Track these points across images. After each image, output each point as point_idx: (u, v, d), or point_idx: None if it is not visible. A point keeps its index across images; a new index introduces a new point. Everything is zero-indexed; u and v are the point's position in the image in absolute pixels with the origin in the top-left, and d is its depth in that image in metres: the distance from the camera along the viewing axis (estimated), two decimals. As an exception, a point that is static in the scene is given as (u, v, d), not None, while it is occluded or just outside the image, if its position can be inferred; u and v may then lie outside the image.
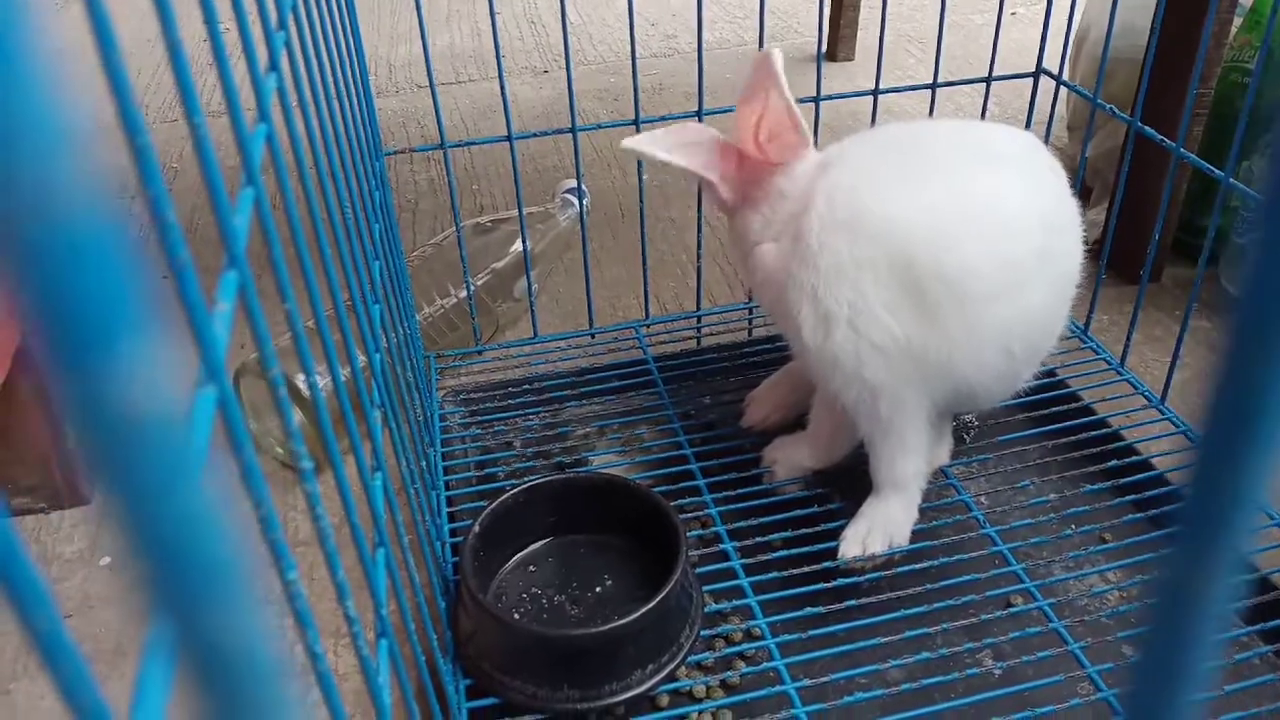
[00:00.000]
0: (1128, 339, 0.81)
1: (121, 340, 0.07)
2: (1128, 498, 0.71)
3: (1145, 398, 0.79)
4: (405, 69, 1.62)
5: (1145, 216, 0.90)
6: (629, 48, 1.44)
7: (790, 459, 0.73)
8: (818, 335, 0.61)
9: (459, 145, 0.83)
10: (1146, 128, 0.76)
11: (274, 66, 0.37)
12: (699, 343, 0.91)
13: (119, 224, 0.07)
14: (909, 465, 0.65)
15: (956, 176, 0.61)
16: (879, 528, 0.65)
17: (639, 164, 0.84)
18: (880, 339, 0.60)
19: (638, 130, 0.80)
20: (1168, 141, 0.74)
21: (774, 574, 0.66)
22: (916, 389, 0.62)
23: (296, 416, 0.78)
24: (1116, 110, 0.78)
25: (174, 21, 0.22)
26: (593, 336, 0.90)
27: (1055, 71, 0.84)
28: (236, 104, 0.29)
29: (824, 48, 1.56)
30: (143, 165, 0.18)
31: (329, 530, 0.32)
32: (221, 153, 0.21)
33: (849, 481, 0.72)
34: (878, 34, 0.81)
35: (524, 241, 0.91)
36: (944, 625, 0.63)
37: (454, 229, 0.87)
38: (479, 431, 0.82)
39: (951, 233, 0.59)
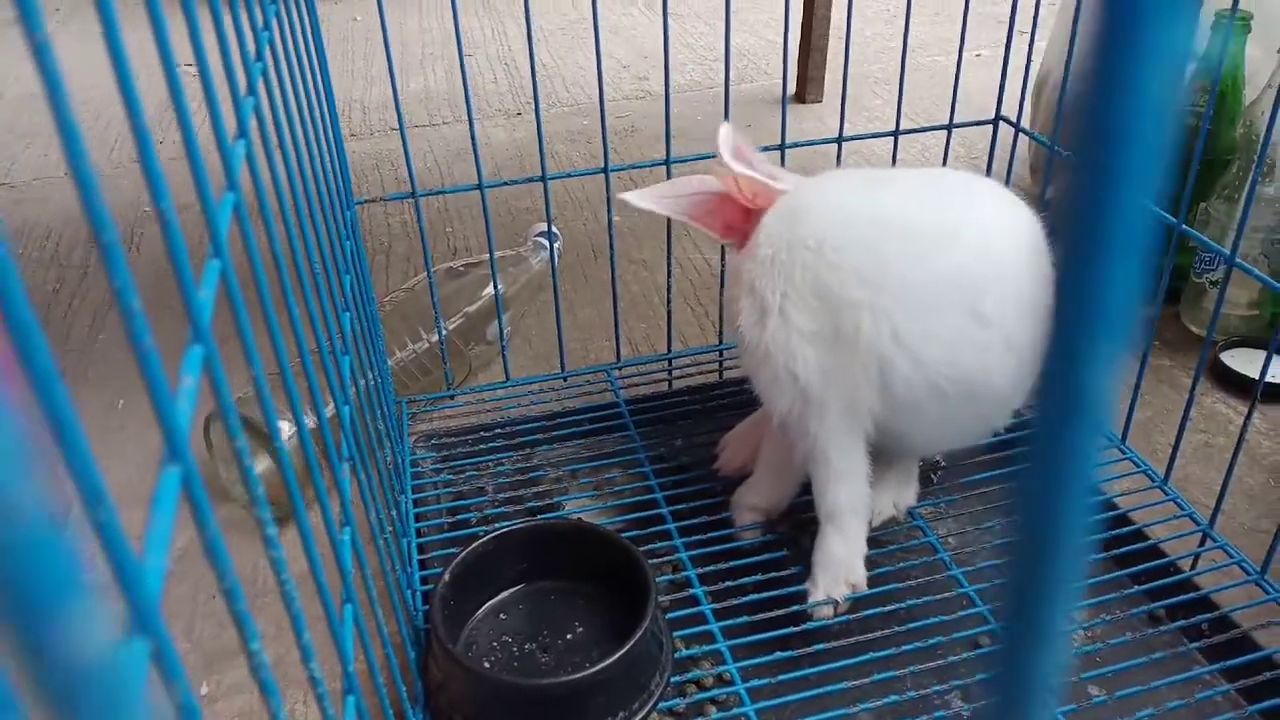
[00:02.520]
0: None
1: (62, 604, 0.08)
2: (1089, 537, 0.72)
3: (1107, 438, 0.80)
4: (379, 110, 1.63)
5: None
6: (586, 95, 1.47)
7: (744, 500, 0.74)
8: (753, 327, 0.63)
9: (430, 194, 0.85)
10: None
11: (243, 133, 0.37)
12: (670, 385, 0.92)
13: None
14: (840, 494, 0.65)
15: (897, 196, 0.63)
16: (827, 570, 0.66)
17: (609, 207, 0.85)
18: (808, 326, 0.61)
19: (606, 178, 0.82)
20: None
21: (744, 618, 0.67)
22: (845, 402, 0.62)
23: (264, 464, 0.78)
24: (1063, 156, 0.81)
25: (140, 110, 0.23)
26: (565, 380, 0.91)
27: (1014, 117, 0.86)
28: (204, 178, 0.30)
29: (791, 90, 1.59)
30: (110, 262, 0.19)
31: (293, 594, 0.32)
32: (188, 195, 0.21)
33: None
34: (843, 75, 0.83)
35: (495, 285, 0.92)
36: (912, 668, 0.63)
37: (425, 273, 0.88)
38: (451, 477, 0.82)
39: (867, 239, 0.61)
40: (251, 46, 0.43)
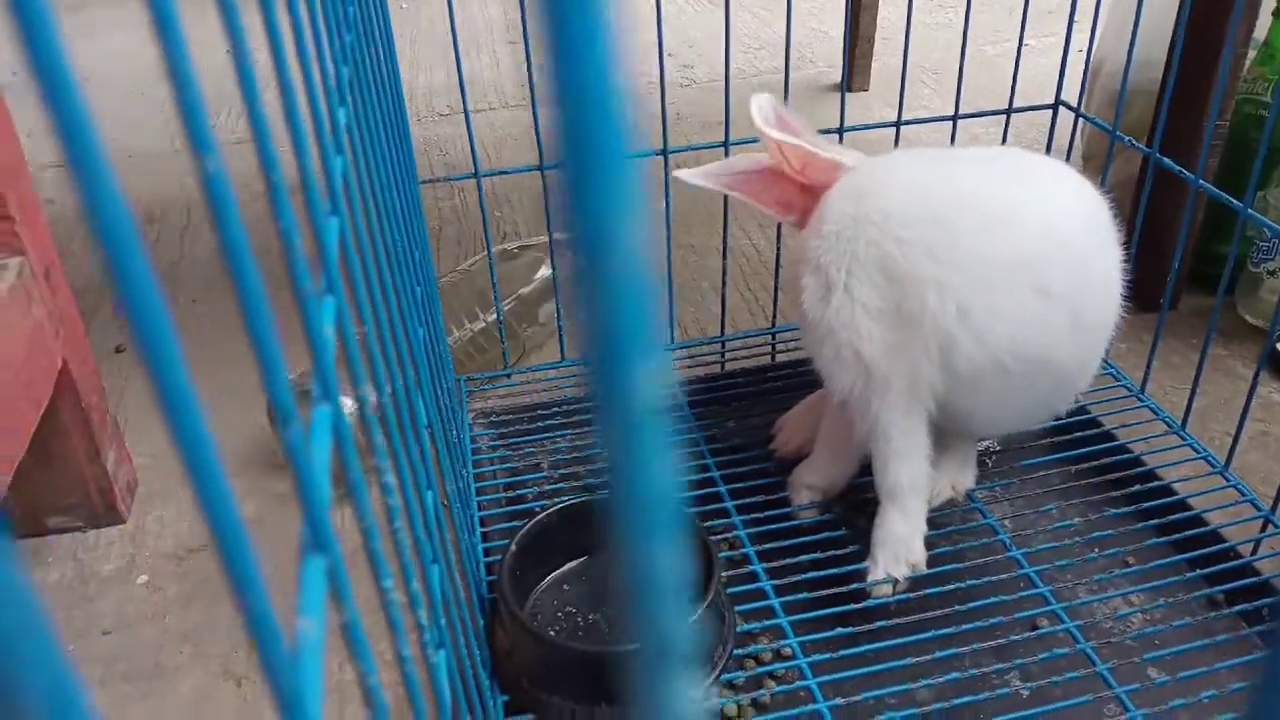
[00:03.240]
0: (1148, 366, 0.83)
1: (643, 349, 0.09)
2: (1150, 522, 0.73)
3: (1166, 424, 0.81)
4: (425, 98, 1.65)
5: (1163, 246, 0.92)
6: (649, 79, 1.47)
7: (802, 480, 0.75)
8: (817, 304, 0.64)
9: (492, 174, 0.86)
10: (1164, 158, 0.78)
11: (339, 150, 0.39)
12: (723, 367, 0.93)
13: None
14: (901, 473, 0.66)
15: (968, 172, 0.64)
16: (887, 548, 0.67)
17: (667, 191, 0.86)
18: (872, 303, 0.62)
19: (665, 159, 0.83)
20: (1185, 172, 0.76)
21: (803, 595, 0.68)
22: (908, 379, 0.63)
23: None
24: (1134, 141, 0.81)
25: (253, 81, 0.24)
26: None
27: (1072, 103, 0.86)
28: (316, 197, 0.31)
29: (844, 79, 1.59)
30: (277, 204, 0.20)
31: (404, 542, 0.34)
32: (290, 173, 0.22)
33: (876, 503, 0.74)
34: (890, 64, 0.83)
35: (552, 267, 0.94)
36: (973, 646, 0.64)
37: (482, 255, 0.90)
38: (508, 454, 0.84)
39: (934, 215, 0.61)
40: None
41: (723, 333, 0.93)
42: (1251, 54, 0.95)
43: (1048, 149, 0.90)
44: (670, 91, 1.60)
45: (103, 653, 0.71)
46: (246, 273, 0.17)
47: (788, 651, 0.65)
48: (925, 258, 0.61)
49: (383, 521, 0.31)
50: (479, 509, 0.76)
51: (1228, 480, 0.74)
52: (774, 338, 0.94)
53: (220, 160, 0.16)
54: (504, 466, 0.83)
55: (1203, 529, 0.71)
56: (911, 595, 0.67)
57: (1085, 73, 0.86)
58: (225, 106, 1.57)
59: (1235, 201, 0.71)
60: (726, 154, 0.80)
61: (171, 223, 1.27)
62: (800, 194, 0.69)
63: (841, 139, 0.87)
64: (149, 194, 1.34)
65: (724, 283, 0.90)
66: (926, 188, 0.63)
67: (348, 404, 0.78)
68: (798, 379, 0.87)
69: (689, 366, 0.93)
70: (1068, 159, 0.92)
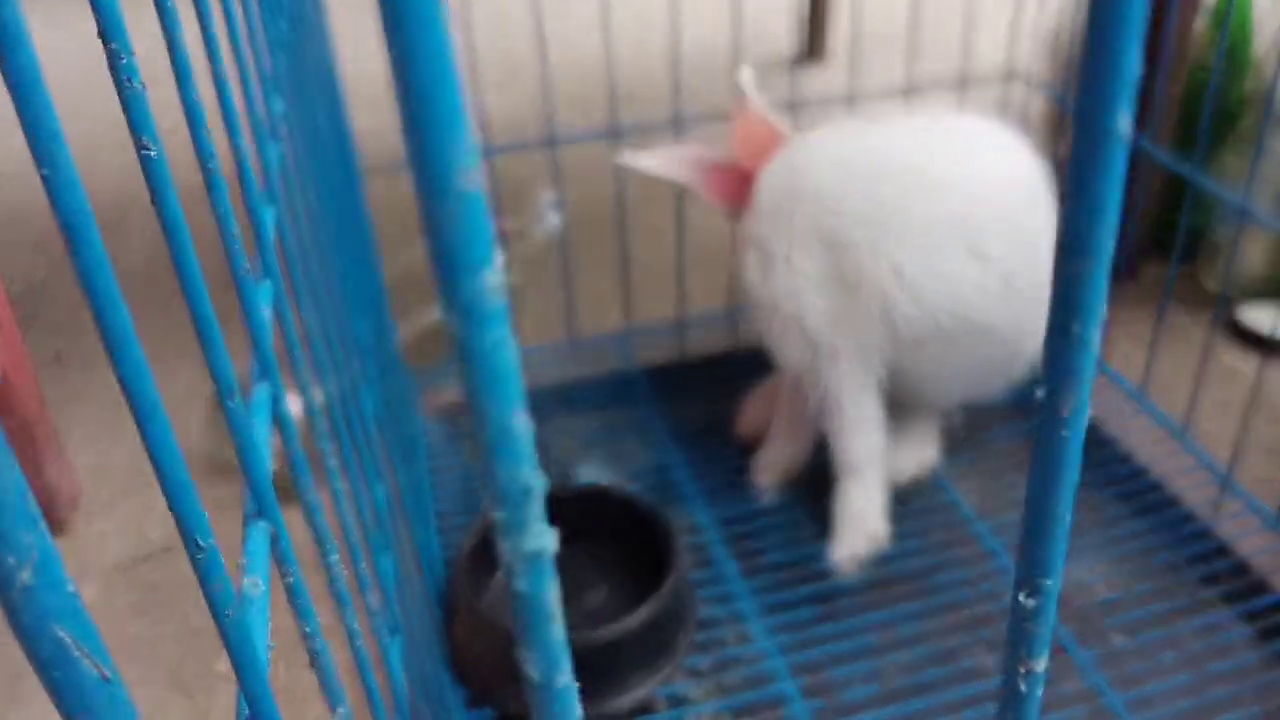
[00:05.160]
0: (1107, 337, 0.86)
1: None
2: (1109, 489, 0.76)
3: (1126, 392, 0.84)
4: (370, 83, 1.66)
5: (1122, 214, 0.95)
6: (595, 54, 1.50)
7: (763, 461, 0.78)
8: (760, 279, 0.67)
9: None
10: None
11: (275, 138, 0.41)
12: (684, 352, 0.95)
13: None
14: (856, 444, 0.69)
15: (900, 140, 0.68)
16: (847, 523, 0.70)
17: (620, 172, 0.88)
18: (812, 272, 0.65)
19: (617, 141, 0.85)
20: (1134, 139, 0.80)
21: (767, 577, 0.70)
22: (855, 347, 0.66)
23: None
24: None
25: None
26: (576, 349, 0.95)
27: (1028, 72, 0.90)
28: (252, 184, 0.33)
29: (799, 51, 1.62)
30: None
31: (351, 525, 0.36)
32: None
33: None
34: (851, 33, 0.86)
35: (500, 256, 0.95)
36: (938, 620, 0.67)
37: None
38: (463, 448, 0.86)
39: (867, 181, 0.65)
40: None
41: (682, 316, 0.96)
42: (1203, 22, 0.99)
43: (1005, 119, 0.94)
44: (623, 67, 1.63)
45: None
46: (185, 252, 0.19)
47: (752, 634, 0.68)
48: (858, 224, 0.64)
49: (329, 505, 0.33)
50: (436, 503, 0.78)
51: (1185, 446, 0.78)
52: (734, 321, 0.97)
53: (159, 146, 0.18)
54: (460, 461, 0.85)
55: (1161, 494, 0.75)
56: (876, 571, 0.70)
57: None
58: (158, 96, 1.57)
59: (1178, 167, 0.74)
60: (676, 133, 0.82)
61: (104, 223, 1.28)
62: (739, 186, 0.72)
63: (796, 114, 0.89)
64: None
65: (680, 265, 0.92)
66: (856, 157, 0.66)
67: (295, 402, 0.80)
68: (760, 361, 0.90)
69: (648, 352, 0.95)
70: (1027, 127, 0.96)
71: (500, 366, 0.11)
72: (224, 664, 0.71)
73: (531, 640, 0.13)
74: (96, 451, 0.91)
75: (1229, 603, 0.68)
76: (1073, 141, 0.13)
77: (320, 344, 0.45)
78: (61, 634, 0.10)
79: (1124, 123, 0.13)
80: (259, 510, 0.21)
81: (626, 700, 0.62)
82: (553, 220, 1.06)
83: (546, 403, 0.89)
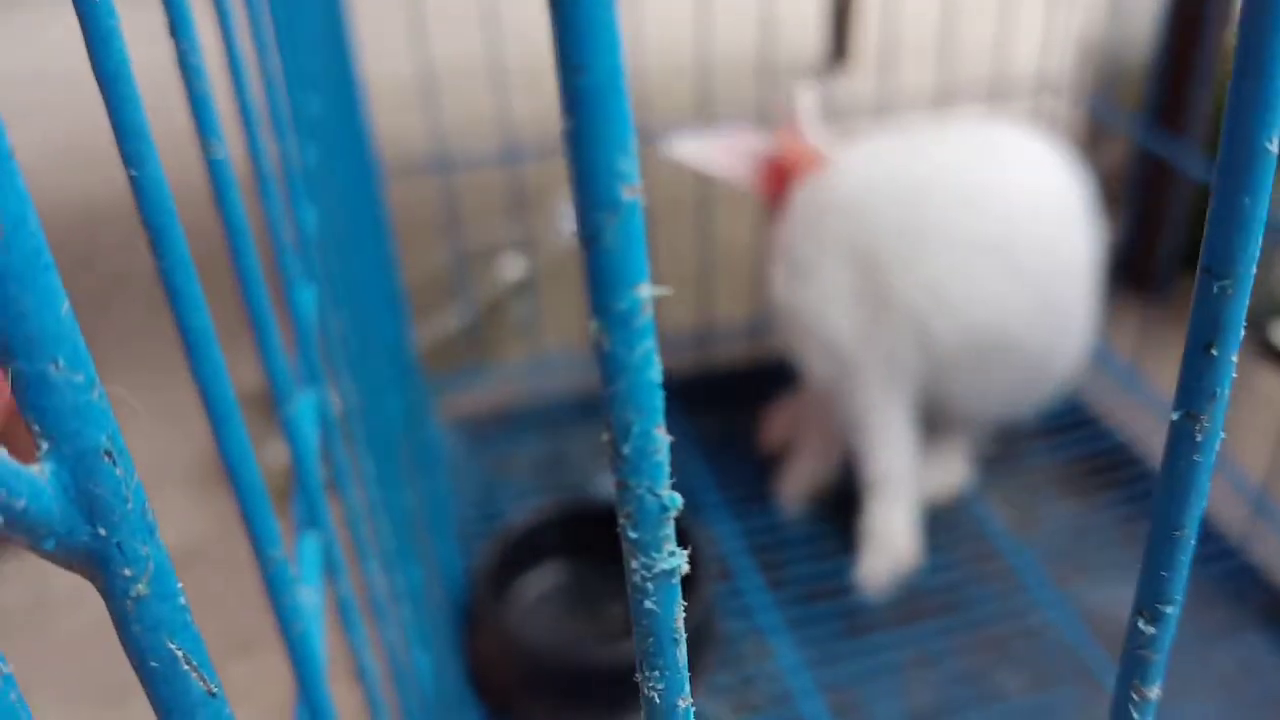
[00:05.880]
0: (1147, 354, 0.86)
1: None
2: (1142, 508, 0.76)
3: (1159, 411, 0.84)
4: (391, 85, 1.66)
5: (1157, 225, 0.95)
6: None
7: (789, 476, 0.77)
8: (786, 288, 0.67)
9: (460, 170, 0.88)
10: (1150, 142, 0.82)
11: (311, 139, 0.41)
12: (707, 362, 0.95)
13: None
14: (883, 462, 0.69)
15: (938, 155, 0.67)
16: (873, 543, 0.69)
17: (642, 178, 0.88)
18: (842, 288, 0.65)
19: (642, 144, 0.85)
20: (1172, 153, 0.79)
21: (791, 592, 0.70)
22: (883, 364, 0.66)
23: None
24: (1121, 122, 0.84)
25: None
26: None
27: (1061, 84, 0.90)
28: (272, 189, 0.33)
29: (827, 57, 1.62)
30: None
31: (366, 540, 0.36)
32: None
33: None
34: (878, 41, 0.86)
35: (522, 265, 0.96)
36: (965, 639, 0.67)
37: (450, 255, 0.92)
38: (482, 458, 0.86)
39: (903, 196, 0.65)
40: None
41: (707, 326, 0.96)
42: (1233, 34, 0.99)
43: (1040, 130, 0.93)
44: (648, 72, 1.63)
45: (63, 674, 0.73)
46: (246, 255, 0.19)
47: (776, 651, 0.67)
48: (893, 241, 0.64)
49: (364, 511, 0.33)
50: (455, 513, 0.78)
51: (1220, 467, 0.78)
52: (757, 331, 0.96)
53: (224, 149, 0.18)
54: (478, 470, 0.85)
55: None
56: (902, 591, 0.70)
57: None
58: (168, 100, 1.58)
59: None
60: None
61: (114, 236, 1.28)
62: (783, 180, 0.72)
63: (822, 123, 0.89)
64: (97, 197, 1.35)
65: (706, 276, 0.92)
66: (891, 172, 0.66)
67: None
68: (782, 372, 0.90)
69: (670, 363, 0.95)
70: (1062, 138, 0.95)
71: (646, 380, 0.11)
72: (238, 670, 0.71)
73: (656, 662, 0.13)
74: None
75: (1263, 626, 0.68)
76: (1220, 157, 0.13)
77: (341, 349, 0.45)
78: (173, 647, 0.10)
79: (1274, 142, 0.13)
80: (311, 520, 0.21)
81: (648, 717, 0.62)
82: (576, 222, 1.06)
83: (567, 412, 0.89)
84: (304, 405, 0.25)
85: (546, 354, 0.96)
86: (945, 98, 0.92)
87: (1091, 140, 1.02)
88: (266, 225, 0.24)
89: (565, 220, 1.07)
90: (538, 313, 1.02)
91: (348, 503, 0.27)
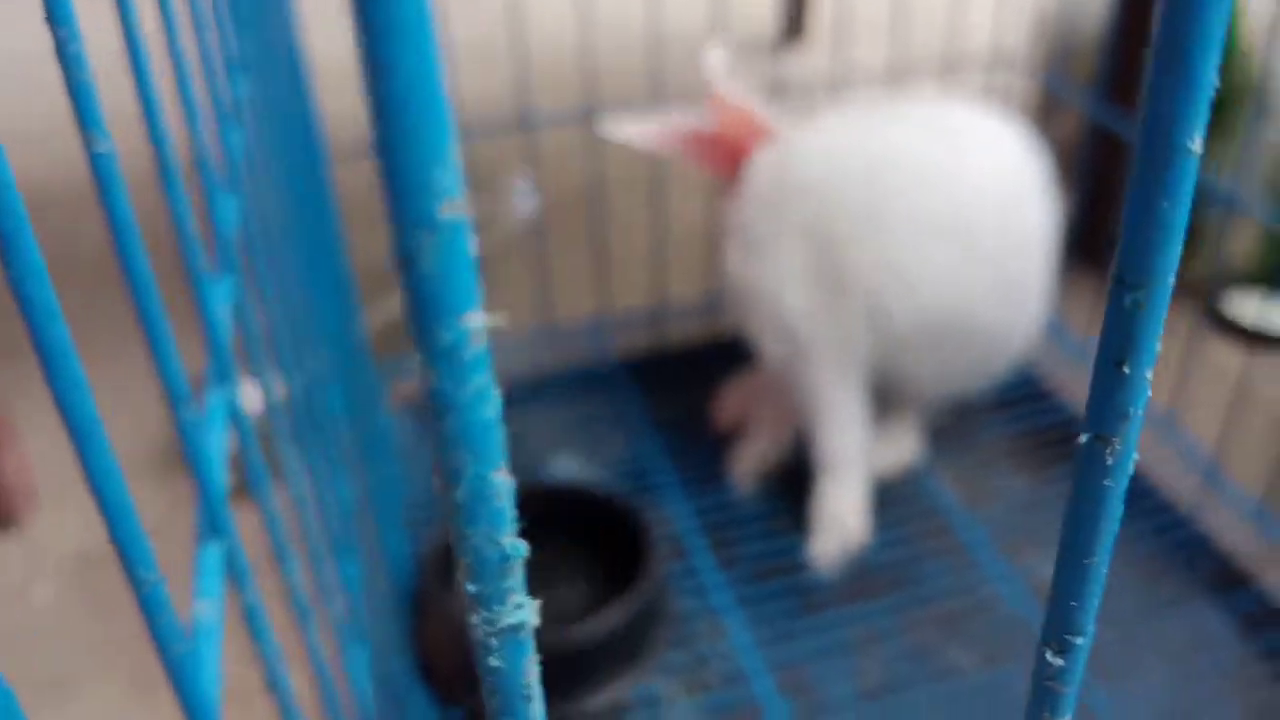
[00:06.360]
0: (1099, 327, 0.87)
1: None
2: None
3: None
4: (324, 65, 1.64)
5: (1108, 202, 0.96)
6: (570, 34, 1.48)
7: (742, 454, 0.78)
8: (742, 263, 0.67)
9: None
10: (1102, 116, 0.82)
11: (239, 124, 0.40)
12: (661, 341, 0.95)
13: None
14: (836, 442, 0.69)
15: (894, 133, 0.67)
16: (825, 521, 0.70)
17: (595, 155, 0.88)
18: (797, 267, 0.65)
19: (594, 121, 0.85)
20: (1123, 128, 0.80)
21: (743, 570, 0.70)
22: (837, 344, 0.66)
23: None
24: (1074, 96, 0.84)
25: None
26: (550, 337, 0.94)
27: (1016, 58, 0.90)
28: (211, 174, 0.32)
29: (781, 31, 1.61)
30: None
31: (282, 546, 0.35)
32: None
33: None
34: (833, 16, 0.86)
35: (472, 243, 0.95)
36: (917, 615, 0.67)
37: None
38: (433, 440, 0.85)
39: (859, 177, 0.65)
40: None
41: (660, 303, 0.96)
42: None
43: (995, 105, 0.94)
44: (599, 48, 1.62)
45: (4, 667, 0.72)
46: (134, 256, 0.18)
47: (729, 631, 0.68)
48: (850, 222, 0.64)
49: (290, 511, 0.32)
50: (405, 501, 0.78)
51: (1169, 437, 0.79)
52: (713, 308, 0.96)
53: (109, 142, 0.17)
54: (430, 455, 0.84)
55: (1145, 485, 0.75)
56: (853, 568, 0.70)
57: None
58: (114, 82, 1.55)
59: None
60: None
61: (59, 212, 1.26)
62: (732, 160, 0.71)
63: (776, 99, 0.89)
64: (35, 179, 1.32)
65: (659, 251, 0.92)
66: (847, 151, 0.66)
67: (252, 395, 0.79)
68: (739, 349, 0.90)
69: (625, 341, 0.95)
70: (1016, 113, 0.96)
71: (480, 419, 0.10)
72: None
73: (505, 720, 0.12)
74: (49, 439, 0.90)
75: (1213, 596, 0.69)
76: (1136, 157, 0.12)
77: (283, 338, 0.44)
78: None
79: (1196, 142, 0.12)
80: (213, 528, 0.21)
81: (600, 699, 0.62)
82: (528, 203, 1.06)
83: (520, 394, 0.89)
84: (212, 407, 0.24)
85: (498, 335, 0.95)
86: (900, 73, 0.92)
87: (1045, 114, 1.02)
88: (172, 219, 0.24)
89: (519, 197, 1.06)
90: (489, 291, 1.01)
91: (262, 506, 0.26)
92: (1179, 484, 0.76)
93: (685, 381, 0.90)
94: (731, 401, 0.83)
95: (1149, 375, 0.14)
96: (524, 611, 0.11)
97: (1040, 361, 0.88)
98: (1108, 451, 0.13)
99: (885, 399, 0.73)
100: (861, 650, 0.66)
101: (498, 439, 0.10)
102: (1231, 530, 0.72)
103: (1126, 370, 0.13)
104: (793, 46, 1.58)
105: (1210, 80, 0.12)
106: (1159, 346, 0.13)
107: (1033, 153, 0.69)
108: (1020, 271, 0.67)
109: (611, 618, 0.61)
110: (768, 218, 0.66)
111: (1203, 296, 1.01)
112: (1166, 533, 0.73)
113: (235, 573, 0.22)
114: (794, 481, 0.78)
